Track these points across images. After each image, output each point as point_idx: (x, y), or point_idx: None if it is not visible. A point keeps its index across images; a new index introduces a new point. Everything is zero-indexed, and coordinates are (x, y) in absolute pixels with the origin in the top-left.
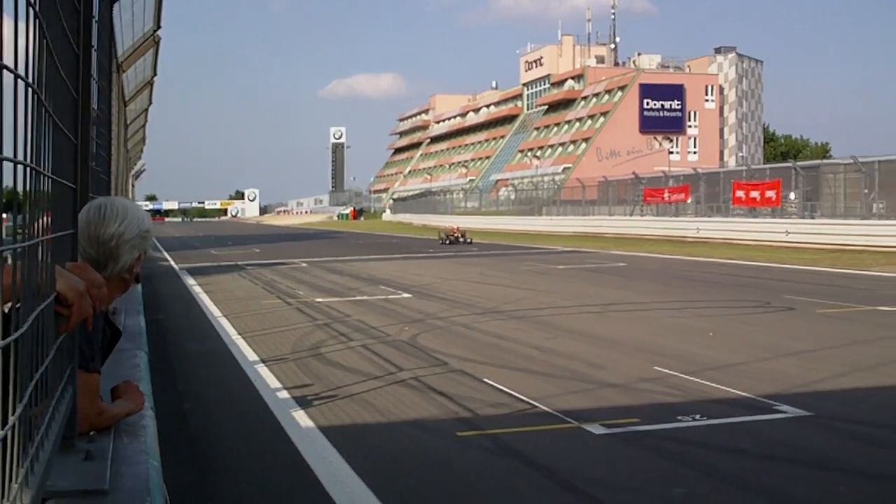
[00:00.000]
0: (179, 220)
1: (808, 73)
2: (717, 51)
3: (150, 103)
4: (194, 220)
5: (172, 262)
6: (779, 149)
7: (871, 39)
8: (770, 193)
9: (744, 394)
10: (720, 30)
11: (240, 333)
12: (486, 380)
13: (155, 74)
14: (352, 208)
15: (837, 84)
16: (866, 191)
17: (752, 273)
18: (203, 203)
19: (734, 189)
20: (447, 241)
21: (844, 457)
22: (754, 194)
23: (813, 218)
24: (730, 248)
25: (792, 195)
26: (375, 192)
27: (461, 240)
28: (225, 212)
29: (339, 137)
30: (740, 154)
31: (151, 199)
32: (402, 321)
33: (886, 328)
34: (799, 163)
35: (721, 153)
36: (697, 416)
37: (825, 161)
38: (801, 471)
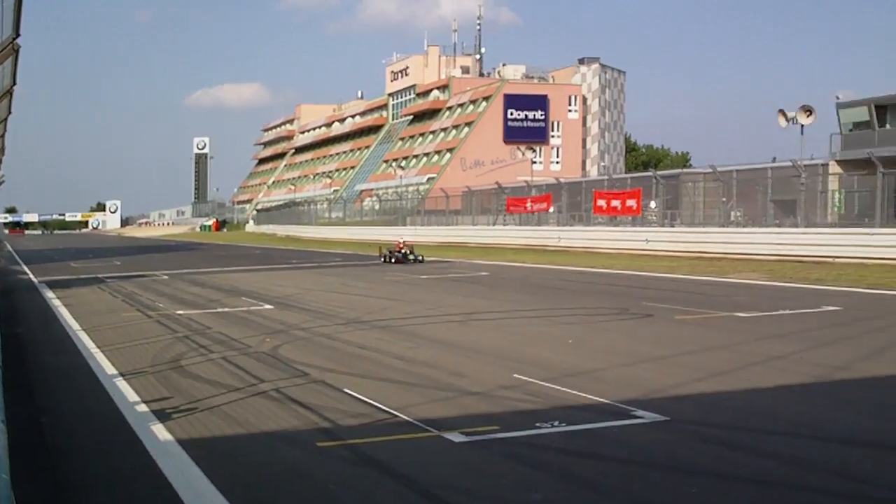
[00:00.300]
0: (40, 232)
1: (670, 84)
2: (581, 61)
3: (10, 113)
4: (55, 232)
5: (31, 276)
6: (640, 158)
7: (729, 50)
8: (631, 202)
9: (602, 400)
10: (584, 41)
11: (99, 347)
12: (347, 390)
13: (14, 83)
14: (214, 220)
15: (698, 94)
16: (724, 199)
17: (612, 281)
18: (64, 215)
19: (595, 198)
20: (391, 259)
21: (698, 459)
22: (615, 203)
23: (672, 226)
24: (591, 256)
25: (652, 204)
26: (239, 203)
27: (410, 257)
28: (86, 224)
29: (203, 148)
30: (602, 164)
31: (11, 211)
32: (264, 332)
33: (742, 334)
34: (659, 172)
35: (584, 163)
36: (556, 423)
37: (685, 170)
38: (657, 474)
